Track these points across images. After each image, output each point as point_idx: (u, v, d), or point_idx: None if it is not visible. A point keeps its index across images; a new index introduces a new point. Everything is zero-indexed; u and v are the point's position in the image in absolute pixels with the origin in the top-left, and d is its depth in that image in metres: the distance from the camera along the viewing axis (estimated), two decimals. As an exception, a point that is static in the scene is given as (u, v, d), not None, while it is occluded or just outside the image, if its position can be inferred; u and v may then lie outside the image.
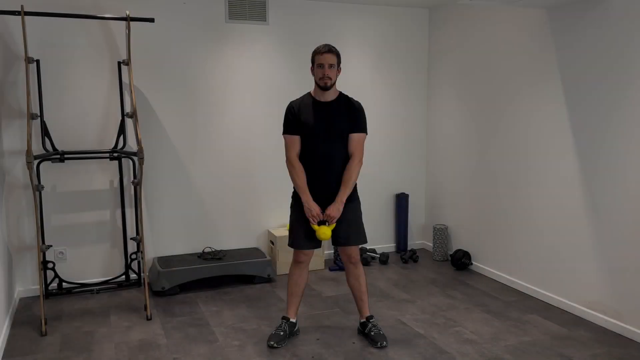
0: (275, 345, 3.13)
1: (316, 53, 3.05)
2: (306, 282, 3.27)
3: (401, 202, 5.07)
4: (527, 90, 3.94)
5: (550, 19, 3.70)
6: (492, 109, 4.31)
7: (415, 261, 4.88)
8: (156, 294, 4.01)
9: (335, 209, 3.05)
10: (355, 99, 3.21)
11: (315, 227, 3.06)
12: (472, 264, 4.62)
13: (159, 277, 3.97)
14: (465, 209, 4.70)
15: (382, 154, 5.05)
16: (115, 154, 3.93)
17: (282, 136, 3.16)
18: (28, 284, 4.03)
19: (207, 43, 4.35)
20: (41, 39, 3.88)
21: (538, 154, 3.87)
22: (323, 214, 3.07)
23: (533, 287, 3.98)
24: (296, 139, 3.10)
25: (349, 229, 3.14)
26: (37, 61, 3.85)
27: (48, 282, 3.98)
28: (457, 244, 4.84)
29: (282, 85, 4.62)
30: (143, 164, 3.72)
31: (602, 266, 3.42)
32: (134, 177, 4.15)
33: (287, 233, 4.47)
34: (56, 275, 3.99)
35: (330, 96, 3.10)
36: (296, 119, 3.08)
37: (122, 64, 4.04)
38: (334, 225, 3.09)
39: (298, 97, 3.23)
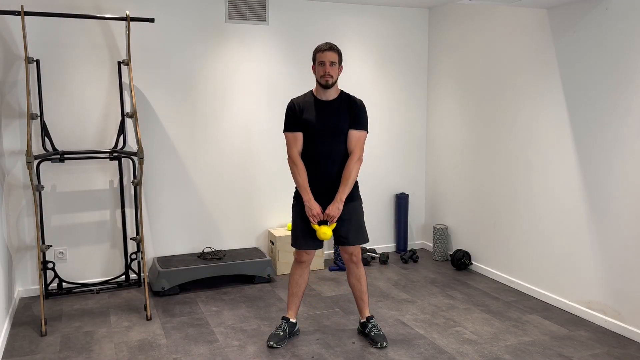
0: (274, 345, 3.13)
1: (317, 51, 3.05)
2: (307, 283, 3.26)
3: (401, 202, 5.07)
4: (527, 90, 3.94)
5: (550, 19, 3.70)
6: (492, 109, 4.31)
7: (415, 261, 4.88)
8: (156, 294, 4.01)
9: (335, 208, 3.05)
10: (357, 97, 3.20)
11: (316, 226, 3.06)
12: (472, 264, 4.62)
13: (159, 277, 3.97)
14: (465, 209, 4.70)
15: (382, 154, 5.05)
16: (115, 154, 3.93)
17: (283, 134, 3.15)
18: (28, 284, 4.03)
19: (207, 43, 4.35)
20: (41, 39, 3.88)
21: (538, 154, 3.87)
22: (323, 214, 3.07)
23: (533, 287, 3.98)
24: (298, 136, 3.08)
25: (350, 228, 3.14)
26: (37, 61, 3.85)
27: (48, 282, 3.98)
28: (457, 244, 4.84)
29: (282, 85, 4.62)
30: (143, 164, 3.72)
31: (602, 266, 3.42)
32: (134, 177, 4.15)
33: (287, 233, 4.49)
34: (56, 275, 3.99)
35: (331, 94, 3.09)
36: (298, 116, 3.07)
37: (122, 64, 4.04)
38: (335, 224, 3.09)
39: (299, 95, 3.22)
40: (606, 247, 3.39)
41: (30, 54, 3.82)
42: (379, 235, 5.15)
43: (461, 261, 4.59)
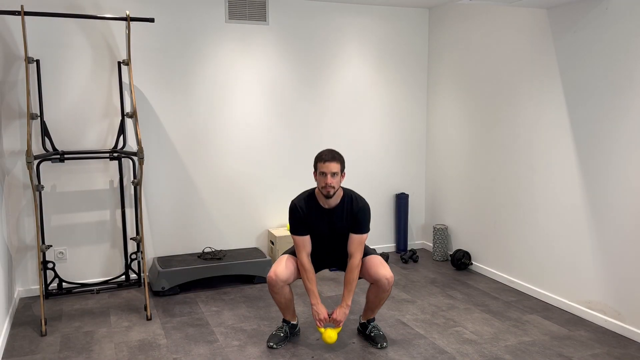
0: (274, 345, 3.13)
1: (319, 160, 2.98)
2: (292, 293, 3.16)
3: (401, 202, 5.07)
4: (527, 90, 3.94)
5: (550, 19, 3.70)
6: (492, 109, 4.31)
7: (415, 261, 4.88)
8: (156, 294, 4.01)
9: (342, 313, 3.04)
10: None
11: (322, 330, 3.04)
12: (472, 264, 4.62)
13: (159, 277, 3.97)
14: (465, 209, 4.70)
15: (382, 154, 5.05)
16: (115, 154, 3.93)
17: (291, 235, 3.12)
18: (28, 284, 4.03)
19: (207, 43, 4.35)
20: (41, 39, 3.88)
21: (538, 153, 3.87)
22: (330, 318, 3.06)
23: (533, 287, 3.98)
24: (307, 240, 3.08)
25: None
26: (37, 61, 3.85)
27: (48, 282, 3.98)
28: (457, 244, 4.84)
29: (282, 85, 4.62)
30: (143, 164, 3.72)
31: (602, 266, 3.42)
32: (134, 177, 4.14)
33: (287, 233, 4.49)
34: (56, 275, 3.99)
35: (334, 201, 3.05)
36: (304, 221, 3.06)
37: (122, 64, 4.04)
38: (340, 328, 3.09)
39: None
40: (606, 247, 3.39)
41: (30, 54, 3.82)
42: (379, 235, 5.15)
43: (461, 261, 4.59)
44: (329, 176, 2.93)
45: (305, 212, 3.06)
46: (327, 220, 3.09)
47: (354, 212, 3.06)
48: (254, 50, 4.50)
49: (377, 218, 5.10)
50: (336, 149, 4.81)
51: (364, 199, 3.13)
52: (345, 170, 3.06)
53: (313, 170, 3.06)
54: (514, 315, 3.62)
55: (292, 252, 3.19)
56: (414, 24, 5.02)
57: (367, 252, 3.19)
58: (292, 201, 3.12)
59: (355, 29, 4.81)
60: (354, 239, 3.06)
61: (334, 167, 2.94)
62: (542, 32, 3.77)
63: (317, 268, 3.21)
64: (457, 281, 4.34)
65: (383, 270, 3.04)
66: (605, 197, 3.37)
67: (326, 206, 3.07)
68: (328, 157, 2.95)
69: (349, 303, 3.05)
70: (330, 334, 3.01)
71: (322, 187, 2.98)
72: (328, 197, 2.99)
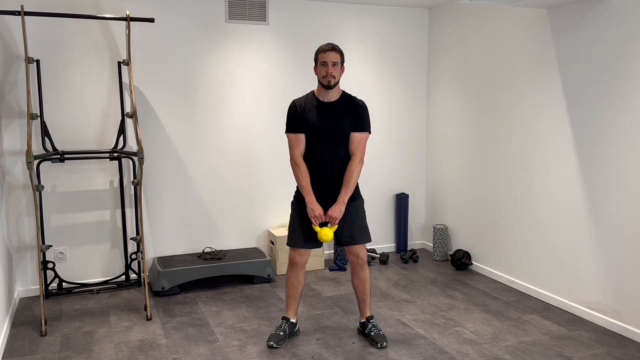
0: (274, 345, 3.13)
1: (319, 51, 3.04)
2: (303, 284, 3.25)
3: (401, 202, 5.07)
4: (527, 90, 3.94)
5: (550, 19, 3.70)
6: (492, 109, 4.31)
7: (415, 261, 4.88)
8: (156, 294, 4.01)
9: (337, 210, 3.04)
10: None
11: (317, 228, 3.05)
12: (472, 264, 4.62)
13: (159, 277, 3.97)
14: (465, 209, 4.70)
15: (382, 154, 5.05)
16: (115, 154, 3.93)
17: (285, 135, 3.14)
18: (28, 284, 4.03)
19: (207, 43, 4.35)
20: (41, 39, 3.88)
21: (538, 154, 3.87)
22: (325, 215, 3.06)
23: (533, 287, 3.98)
24: (301, 137, 3.07)
25: (353, 228, 3.13)
26: (37, 61, 3.85)
27: (48, 282, 3.98)
28: (457, 244, 4.84)
29: (282, 85, 4.62)
30: (143, 164, 3.72)
31: (602, 266, 3.42)
32: (134, 177, 4.14)
33: (287, 233, 4.49)
34: (56, 275, 3.99)
35: (333, 96, 3.08)
36: (300, 117, 3.06)
37: (122, 64, 4.04)
38: (336, 226, 3.08)
39: (300, 96, 3.22)
40: (606, 247, 3.39)
41: (30, 54, 3.82)
42: (379, 235, 5.14)
43: (461, 261, 4.59)
44: (329, 65, 2.97)
45: (303, 107, 3.07)
46: (325, 114, 3.05)
47: (354, 107, 3.08)
48: (254, 50, 4.50)
49: (377, 218, 5.10)
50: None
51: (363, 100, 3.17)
52: (344, 66, 3.08)
53: (314, 65, 3.09)
54: (514, 315, 3.62)
55: (297, 244, 3.15)
56: (414, 24, 5.02)
57: (363, 240, 3.17)
58: (292, 100, 3.15)
59: (355, 29, 4.81)
60: (355, 137, 3.07)
61: (334, 56, 2.99)
62: (542, 32, 3.77)
63: (316, 187, 3.10)
64: (457, 281, 4.34)
65: (359, 249, 3.16)
66: (605, 197, 3.37)
67: (325, 100, 3.07)
68: (328, 47, 3.01)
69: (345, 200, 3.05)
70: (327, 232, 3.02)
71: (322, 77, 3.00)
72: (329, 87, 3.01)
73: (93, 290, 4.10)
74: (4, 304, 3.37)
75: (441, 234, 4.87)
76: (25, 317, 3.62)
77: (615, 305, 3.35)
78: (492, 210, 4.38)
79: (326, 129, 3.05)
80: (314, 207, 3.04)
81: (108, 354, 3.08)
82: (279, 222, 4.76)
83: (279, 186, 4.70)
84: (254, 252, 4.48)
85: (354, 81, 4.81)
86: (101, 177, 4.15)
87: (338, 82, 3.05)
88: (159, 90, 4.25)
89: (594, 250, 3.47)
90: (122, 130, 4.09)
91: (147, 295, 3.61)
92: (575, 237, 3.60)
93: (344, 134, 3.06)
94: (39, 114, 3.87)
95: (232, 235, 4.62)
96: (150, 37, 4.17)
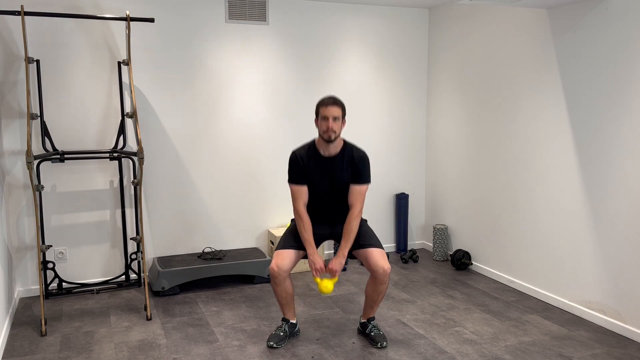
0: (274, 345, 3.13)
1: (320, 105, 3.01)
2: (293, 288, 3.18)
3: (401, 202, 5.07)
4: (527, 90, 3.94)
5: (550, 19, 3.70)
6: (492, 109, 4.31)
7: (415, 261, 4.88)
8: (156, 294, 4.01)
9: (338, 263, 3.05)
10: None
11: (317, 280, 3.05)
12: (472, 264, 4.62)
13: (159, 277, 3.97)
14: (465, 209, 4.70)
15: (382, 154, 5.05)
16: (115, 154, 3.93)
17: (289, 184, 3.13)
18: (28, 284, 4.03)
19: (207, 43, 4.35)
20: (41, 39, 3.88)
21: (538, 154, 3.87)
22: (326, 268, 3.07)
23: (533, 287, 3.98)
24: (304, 190, 3.08)
25: (365, 238, 3.13)
26: (37, 61, 3.85)
27: (48, 282, 3.98)
28: (457, 244, 4.84)
29: (282, 85, 4.62)
30: (143, 164, 3.72)
31: (602, 266, 3.42)
32: (134, 177, 4.15)
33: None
34: (56, 275, 3.99)
35: (334, 149, 3.07)
36: (304, 170, 3.07)
37: (122, 64, 4.04)
38: (337, 279, 3.10)
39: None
40: (606, 247, 3.39)
41: (30, 54, 3.82)
42: (379, 235, 5.09)
43: (461, 261, 4.59)
44: (330, 120, 2.96)
45: (305, 161, 3.06)
46: (326, 170, 3.07)
47: (354, 161, 3.07)
48: (254, 50, 4.50)
49: (377, 218, 5.10)
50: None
51: (364, 150, 3.14)
52: (346, 119, 3.08)
53: (315, 117, 3.07)
54: (514, 315, 3.62)
55: (283, 246, 3.15)
56: (414, 24, 5.02)
57: (374, 243, 3.13)
58: (293, 151, 3.13)
59: (356, 29, 4.81)
60: (354, 189, 3.07)
61: (336, 111, 2.97)
62: (542, 32, 3.77)
63: (315, 225, 3.13)
64: (457, 281, 4.34)
65: (381, 261, 3.05)
66: (605, 197, 3.37)
67: (326, 154, 3.07)
68: (330, 101, 2.99)
69: (345, 253, 3.05)
70: (327, 284, 3.01)
71: (323, 132, 2.99)
72: (329, 141, 3.00)
73: (93, 290, 4.10)
74: (4, 304, 3.37)
75: (441, 234, 4.87)
76: (25, 317, 3.62)
77: (615, 305, 3.35)
78: (492, 210, 4.38)
79: (329, 184, 3.09)
80: (315, 260, 3.05)
81: (108, 354, 3.08)
82: (279, 222, 4.76)
83: (279, 186, 4.70)
84: (254, 252, 4.48)
85: (354, 81, 4.81)
86: (101, 177, 4.15)
87: (339, 135, 3.04)
88: (159, 91, 4.25)
89: (594, 250, 3.47)
90: (122, 130, 4.09)
91: (147, 295, 3.61)
92: (575, 237, 3.60)
93: (345, 187, 3.10)
94: (39, 114, 3.87)
95: (232, 235, 4.62)
96: (150, 37, 4.17)
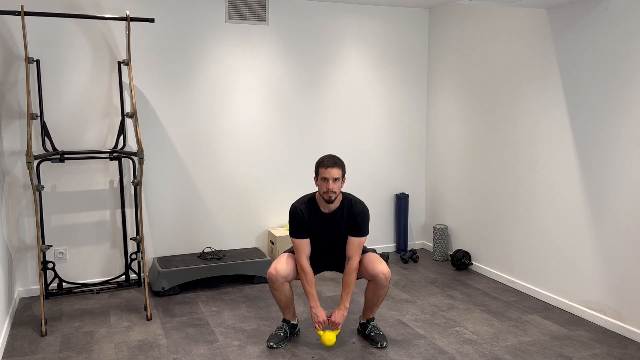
0: (274, 345, 3.13)
1: (320, 166, 3.02)
2: (292, 291, 3.18)
3: (401, 202, 5.07)
4: (527, 90, 3.94)
5: (550, 19, 3.70)
6: (492, 109, 4.31)
7: (415, 261, 4.88)
8: (156, 294, 4.01)
9: (340, 315, 3.06)
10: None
11: (320, 332, 3.06)
12: (472, 264, 4.62)
13: (159, 277, 3.97)
14: (465, 209, 4.70)
15: (382, 154, 5.05)
16: (115, 154, 3.93)
17: (291, 238, 3.13)
18: (28, 284, 4.03)
19: (207, 43, 4.35)
20: (41, 39, 3.88)
21: (538, 153, 3.87)
22: (328, 320, 3.08)
23: (533, 287, 3.98)
24: (306, 243, 3.10)
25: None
26: (37, 61, 3.85)
27: (48, 282, 3.98)
28: (457, 244, 4.84)
29: (282, 85, 4.62)
30: (143, 164, 3.72)
31: (602, 266, 3.42)
32: (134, 177, 4.15)
33: (286, 233, 4.49)
34: (56, 275, 3.99)
35: (334, 205, 3.09)
36: (306, 225, 3.09)
37: (122, 64, 4.04)
38: (339, 330, 3.11)
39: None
40: (606, 247, 3.39)
41: (30, 54, 3.82)
42: (379, 235, 5.15)
43: (461, 261, 4.59)
44: (330, 182, 2.97)
45: (306, 216, 3.09)
46: (327, 225, 3.11)
47: (352, 215, 3.08)
48: (254, 51, 4.50)
49: (377, 218, 5.10)
50: (336, 148, 4.83)
51: (363, 203, 3.15)
52: (346, 175, 3.11)
53: (314, 175, 3.09)
54: (514, 315, 3.62)
55: (292, 250, 3.19)
56: (414, 24, 5.02)
57: (364, 250, 3.20)
58: (293, 205, 3.14)
59: (355, 29, 4.81)
60: (353, 241, 3.08)
61: (336, 172, 2.98)
62: (542, 32, 3.77)
63: (316, 271, 3.23)
64: (457, 281, 4.34)
65: (380, 266, 3.06)
66: (606, 198, 3.37)
67: (326, 210, 3.10)
68: (330, 162, 2.98)
69: (347, 305, 3.07)
70: (329, 337, 3.02)
71: (323, 193, 3.01)
72: (329, 202, 3.03)
73: (93, 290, 4.10)
74: (4, 304, 3.37)
75: (441, 234, 4.87)
76: (25, 317, 3.62)
77: (615, 305, 3.35)
78: (492, 210, 4.38)
79: (330, 238, 3.14)
80: (318, 313, 3.06)
81: (108, 354, 3.08)
82: (279, 222, 4.76)
83: (279, 186, 4.70)
84: (254, 252, 4.48)
85: (354, 81, 4.81)
86: (101, 177, 4.15)
87: (339, 195, 3.06)
88: (159, 90, 4.25)
89: (594, 251, 3.47)
90: (122, 130, 4.09)
91: (147, 295, 3.61)
92: (576, 237, 3.60)
93: (344, 238, 3.13)
94: (39, 114, 3.87)
95: (232, 235, 4.62)
96: (150, 37, 4.17)
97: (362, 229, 3.09)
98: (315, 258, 3.19)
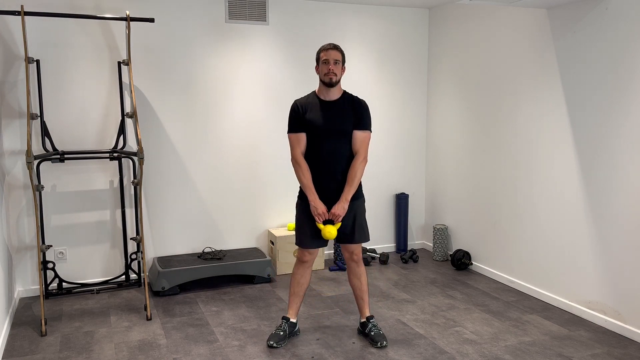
0: (274, 345, 3.13)
1: (321, 50, 3.09)
2: (308, 283, 3.26)
3: (401, 202, 5.07)
4: (527, 90, 3.94)
5: (550, 19, 3.70)
6: (492, 109, 4.31)
7: (415, 261, 4.88)
8: (156, 294, 4.01)
9: (341, 208, 3.05)
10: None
11: (321, 226, 3.06)
12: (472, 264, 4.62)
13: (159, 277, 3.97)
14: (465, 209, 4.70)
15: (382, 154, 5.05)
16: (115, 154, 3.93)
17: (287, 135, 3.16)
18: (28, 284, 4.03)
19: (207, 43, 4.35)
20: (41, 39, 3.88)
21: (538, 154, 3.87)
22: (329, 213, 3.07)
23: (533, 287, 3.98)
24: (302, 137, 3.09)
25: (354, 226, 3.15)
26: (37, 61, 3.85)
27: (48, 282, 3.98)
28: (457, 244, 4.84)
29: (282, 85, 4.62)
30: (143, 164, 3.72)
31: (602, 266, 3.42)
32: (134, 177, 4.15)
33: (287, 233, 4.50)
34: (56, 275, 3.99)
35: (335, 94, 3.11)
36: (301, 117, 3.09)
37: (122, 64, 4.04)
38: (340, 224, 3.10)
39: (300, 96, 3.23)
40: (606, 247, 3.39)
41: (30, 54, 3.82)
42: (379, 235, 5.14)
43: (461, 261, 4.59)
44: (331, 63, 3.02)
45: (304, 108, 3.10)
46: (327, 113, 3.08)
47: (354, 106, 3.11)
48: (254, 50, 4.50)
49: (377, 218, 5.10)
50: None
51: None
52: (345, 65, 3.15)
53: (315, 65, 3.13)
54: (514, 315, 3.62)
55: (300, 244, 3.19)
56: (414, 24, 5.02)
57: (362, 239, 3.21)
58: (294, 101, 3.19)
59: (355, 29, 4.81)
60: (357, 135, 3.10)
61: (336, 54, 3.04)
62: (542, 32, 3.77)
63: (317, 179, 3.10)
64: (457, 281, 4.34)
65: (355, 247, 3.20)
66: (606, 198, 3.37)
67: (327, 98, 3.11)
68: (330, 46, 3.07)
69: (349, 198, 3.07)
70: (330, 230, 3.03)
71: (324, 75, 3.04)
72: (330, 85, 3.05)
73: (93, 290, 4.10)
74: (4, 304, 3.37)
75: (441, 234, 4.87)
76: (25, 317, 3.62)
77: (615, 305, 3.35)
78: (492, 210, 4.38)
79: (328, 127, 3.07)
80: (317, 205, 3.06)
81: (108, 354, 3.08)
82: (279, 222, 4.76)
83: (279, 186, 4.70)
84: (254, 252, 4.48)
85: (354, 81, 4.81)
86: (101, 177, 4.15)
87: (339, 80, 3.08)
88: (159, 90, 4.25)
89: (594, 251, 3.47)
90: (122, 130, 4.10)
91: (147, 295, 3.61)
92: (576, 237, 3.60)
93: (346, 132, 3.09)
94: (39, 114, 3.87)
95: (232, 235, 4.62)
96: (151, 37, 4.17)
97: (365, 121, 3.11)
98: (315, 162, 3.08)
